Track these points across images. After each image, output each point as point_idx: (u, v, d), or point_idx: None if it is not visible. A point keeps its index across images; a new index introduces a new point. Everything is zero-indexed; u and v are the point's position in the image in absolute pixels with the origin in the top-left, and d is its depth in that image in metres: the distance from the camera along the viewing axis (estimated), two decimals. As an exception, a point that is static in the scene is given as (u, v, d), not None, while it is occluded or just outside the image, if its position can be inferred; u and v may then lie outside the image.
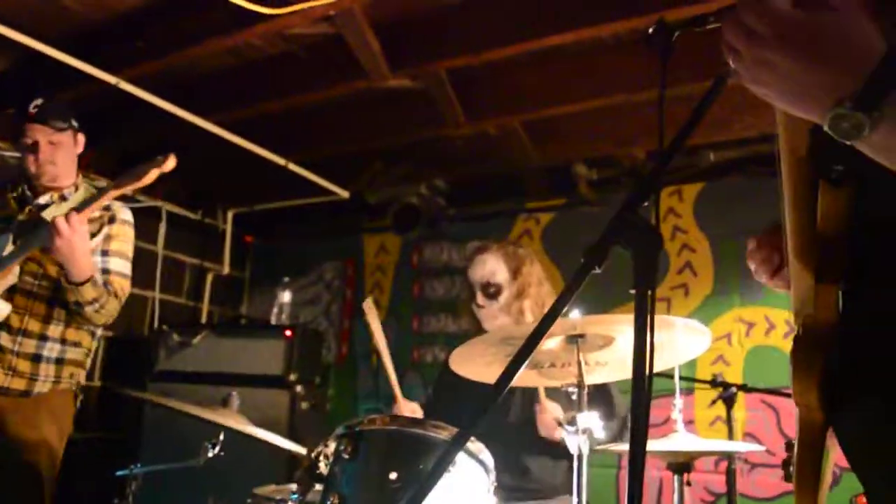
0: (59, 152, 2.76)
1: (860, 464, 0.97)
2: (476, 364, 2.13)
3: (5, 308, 2.58)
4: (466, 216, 4.67)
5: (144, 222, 4.70)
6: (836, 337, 0.94)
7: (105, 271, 2.70)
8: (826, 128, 0.77)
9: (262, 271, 5.34)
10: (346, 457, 1.74)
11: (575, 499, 1.70)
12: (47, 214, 2.70)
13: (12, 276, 2.59)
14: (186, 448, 2.53)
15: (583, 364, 1.85)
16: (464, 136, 4.12)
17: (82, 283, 2.51)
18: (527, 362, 1.05)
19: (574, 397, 1.81)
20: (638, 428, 0.93)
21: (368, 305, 2.63)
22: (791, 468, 1.06)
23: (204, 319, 5.04)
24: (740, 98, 3.51)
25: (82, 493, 4.18)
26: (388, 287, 4.92)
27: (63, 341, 2.72)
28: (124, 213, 2.87)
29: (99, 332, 2.96)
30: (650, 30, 1.25)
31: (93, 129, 3.96)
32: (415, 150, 4.34)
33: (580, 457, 1.72)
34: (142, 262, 4.68)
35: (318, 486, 1.86)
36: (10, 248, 2.62)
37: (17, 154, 2.80)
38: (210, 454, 2.38)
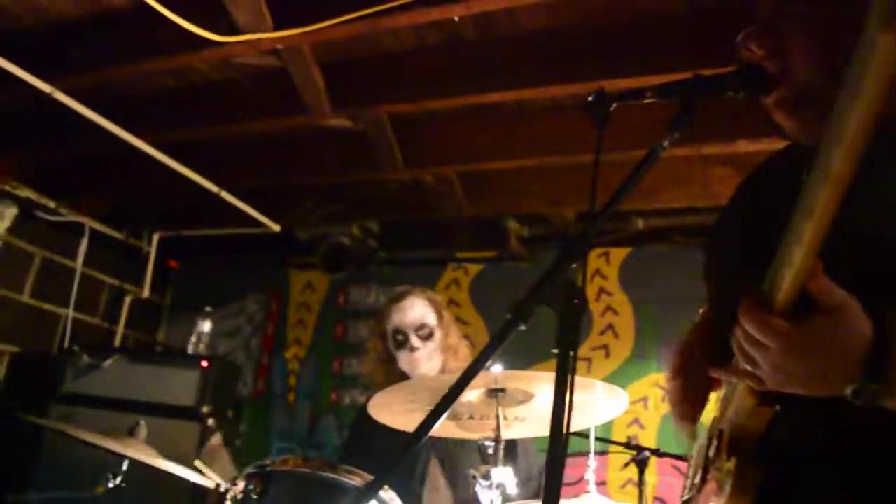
0: None
1: None
2: (395, 411, 2.11)
3: None
4: (396, 261, 4.68)
5: (65, 237, 4.55)
6: (761, 450, 1.05)
7: None
8: (850, 399, 0.91)
9: (183, 298, 5.21)
10: (255, 497, 1.70)
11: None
12: None
13: None
14: (87, 476, 2.42)
15: (501, 418, 1.86)
16: (400, 181, 4.15)
17: None
18: (446, 414, 1.05)
19: (490, 451, 1.81)
20: (552, 486, 0.94)
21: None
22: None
23: (118, 343, 4.86)
24: (669, 170, 3.66)
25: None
26: (312, 325, 4.86)
27: None
28: None
29: None
30: (589, 98, 1.30)
31: (19, 135, 3.86)
32: (350, 191, 4.34)
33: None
34: (58, 278, 4.52)
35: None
36: None
37: None
38: (110, 484, 2.28)
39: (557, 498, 0.96)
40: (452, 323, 2.89)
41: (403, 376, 2.78)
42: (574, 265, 1.12)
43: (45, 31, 3.13)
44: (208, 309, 4.26)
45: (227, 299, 5.00)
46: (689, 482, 1.31)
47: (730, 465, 1.05)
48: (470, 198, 4.17)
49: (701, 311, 1.50)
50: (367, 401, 2.54)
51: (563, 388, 1.03)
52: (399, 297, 2.87)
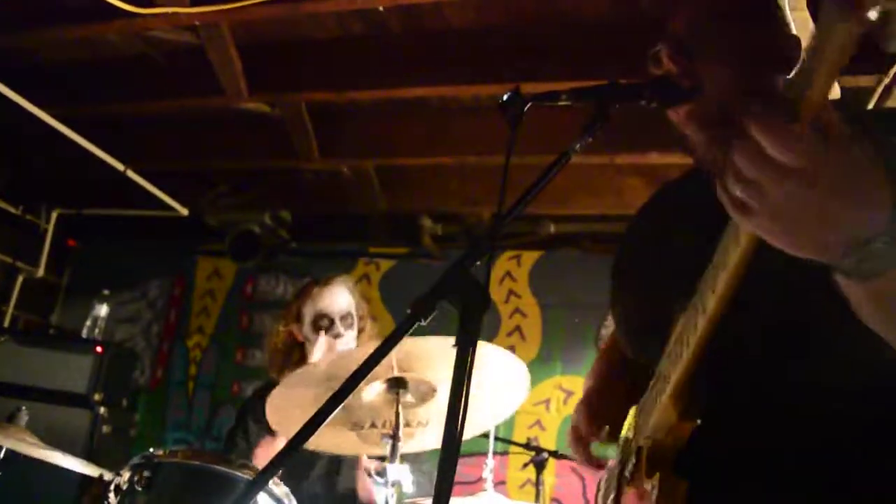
0: None
1: None
2: (294, 406, 2.04)
3: None
4: (308, 252, 4.60)
5: (-48, 210, 4.30)
6: (683, 463, 1.04)
7: None
8: (846, 264, 0.75)
9: (81, 280, 4.98)
10: (139, 488, 1.62)
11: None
12: None
13: None
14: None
15: (401, 415, 1.83)
16: (315, 171, 4.08)
17: None
18: (339, 409, 1.02)
19: (388, 447, 1.78)
20: (443, 482, 0.92)
21: None
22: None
23: (7, 323, 4.61)
24: (583, 178, 3.72)
25: None
26: (216, 313, 4.73)
27: None
28: None
29: None
30: (504, 97, 1.29)
31: None
32: (263, 178, 4.25)
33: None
34: (-58, 253, 4.26)
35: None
36: None
37: None
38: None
39: (448, 496, 0.94)
40: (368, 316, 2.85)
41: (301, 364, 2.70)
42: (478, 262, 1.11)
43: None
44: (106, 292, 4.09)
45: (128, 283, 4.81)
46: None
47: (654, 480, 1.05)
48: (386, 193, 4.14)
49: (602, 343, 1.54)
50: (258, 390, 2.49)
51: (460, 382, 1.01)
52: (326, 282, 2.80)
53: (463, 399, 1.02)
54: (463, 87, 3.16)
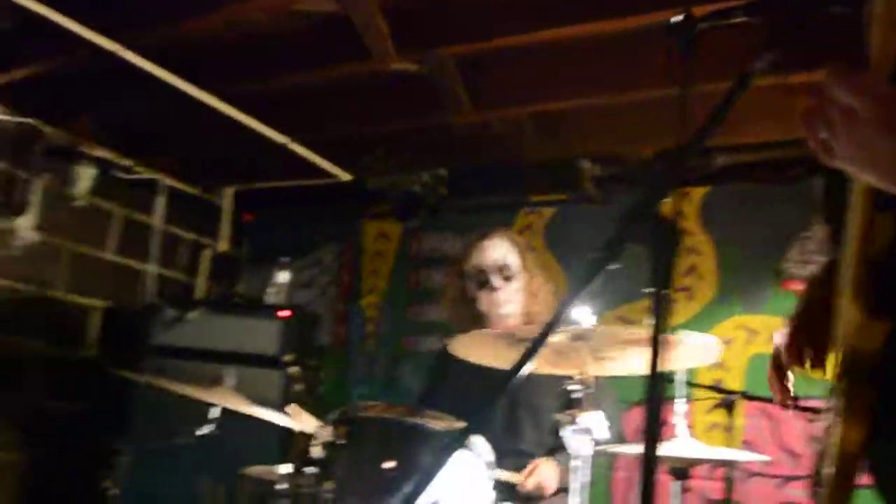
0: None
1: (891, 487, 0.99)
2: (476, 355, 2.09)
3: None
4: (468, 207, 4.63)
5: (142, 195, 4.67)
6: (877, 372, 0.93)
7: None
8: None
9: (259, 250, 5.29)
10: (341, 442, 1.71)
11: (575, 501, 1.67)
12: None
13: None
14: (177, 425, 2.49)
15: (588, 359, 1.81)
16: (468, 125, 4.07)
17: None
18: (533, 359, 1.02)
19: (575, 395, 1.77)
20: (652, 429, 0.90)
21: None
22: (819, 489, 1.03)
23: (199, 295, 5.00)
24: (755, 102, 3.47)
25: (70, 466, 4.16)
26: (386, 274, 4.88)
27: None
28: None
29: None
30: (674, 19, 1.23)
31: (90, 97, 3.93)
32: (418, 137, 4.29)
33: (581, 458, 1.69)
34: (138, 235, 4.65)
35: (311, 469, 1.83)
36: None
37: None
38: (201, 432, 2.34)
39: (657, 441, 0.92)
40: (535, 266, 2.84)
41: (480, 318, 2.75)
42: (663, 200, 1.07)
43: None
44: (284, 260, 4.32)
45: (302, 250, 5.06)
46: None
47: (842, 385, 0.97)
48: (541, 139, 4.06)
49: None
50: (445, 346, 2.54)
51: (658, 327, 0.98)
52: (481, 237, 2.84)
53: (658, 344, 0.99)
54: (614, 20, 3.02)
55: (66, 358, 4.27)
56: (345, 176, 4.61)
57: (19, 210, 4.01)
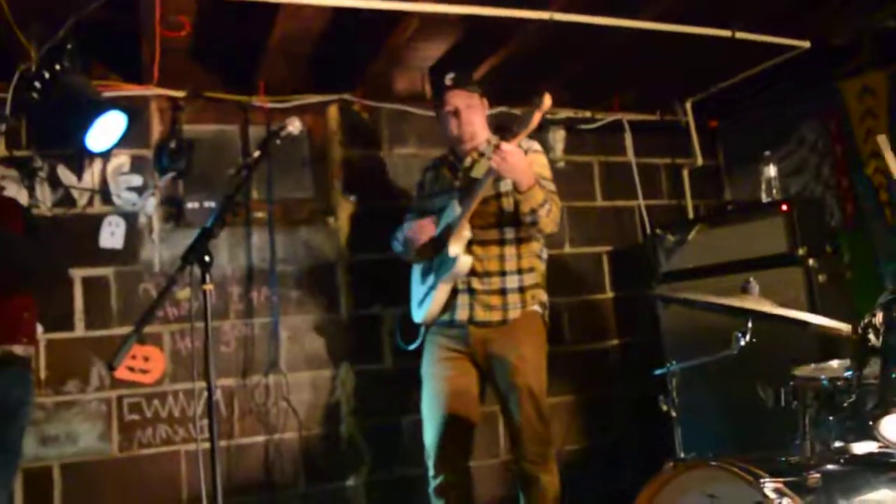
0: (475, 113, 3.28)
1: None
2: None
3: (468, 260, 3.14)
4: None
5: (608, 137, 4.90)
6: None
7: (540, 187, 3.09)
8: None
9: (735, 153, 5.14)
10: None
11: None
12: (476, 172, 3.24)
13: (467, 232, 3.15)
14: (709, 343, 2.56)
15: None
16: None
17: (531, 188, 2.99)
18: None
19: None
20: None
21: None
22: None
23: (691, 215, 5.05)
24: None
25: (622, 394, 4.60)
26: (884, 130, 4.31)
27: (519, 271, 3.22)
28: (532, 145, 3.31)
29: (545, 254, 3.39)
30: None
31: (551, 65, 4.21)
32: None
33: None
34: (617, 175, 4.90)
35: (873, 360, 1.73)
36: (458, 210, 3.18)
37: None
38: (742, 342, 2.38)
39: None
40: None
41: None
42: None
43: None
44: (767, 153, 4.12)
45: (779, 139, 4.76)
46: None
47: None
48: None
49: None
50: None
51: None
52: None
53: None
54: None
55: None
56: (803, 44, 4.19)
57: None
